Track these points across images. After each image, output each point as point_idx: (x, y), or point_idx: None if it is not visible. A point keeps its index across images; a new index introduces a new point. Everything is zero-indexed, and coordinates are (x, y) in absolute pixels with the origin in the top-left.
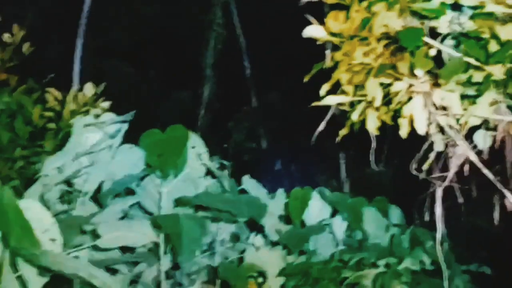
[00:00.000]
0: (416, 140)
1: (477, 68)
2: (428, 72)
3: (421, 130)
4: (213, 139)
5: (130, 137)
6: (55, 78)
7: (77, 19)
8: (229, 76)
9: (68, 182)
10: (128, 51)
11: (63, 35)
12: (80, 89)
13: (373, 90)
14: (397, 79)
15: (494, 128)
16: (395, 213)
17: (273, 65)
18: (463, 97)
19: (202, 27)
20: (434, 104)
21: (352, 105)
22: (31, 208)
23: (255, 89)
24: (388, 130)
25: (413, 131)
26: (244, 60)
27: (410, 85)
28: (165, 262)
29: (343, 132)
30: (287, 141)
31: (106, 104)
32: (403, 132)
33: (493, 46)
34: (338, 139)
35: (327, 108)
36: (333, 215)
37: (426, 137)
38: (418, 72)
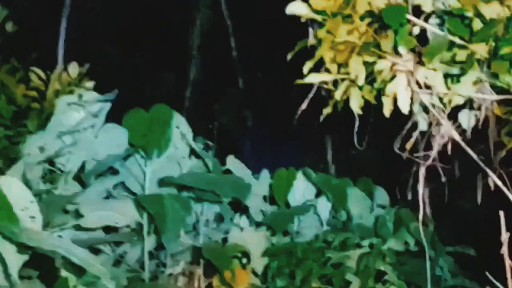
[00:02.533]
0: (401, 119)
1: (461, 46)
2: (412, 50)
3: (404, 109)
4: (198, 120)
5: (115, 118)
6: (39, 58)
7: None
8: (215, 57)
9: (50, 161)
10: (113, 31)
11: (47, 15)
12: (65, 69)
13: (357, 68)
14: (380, 57)
15: (478, 108)
16: (380, 194)
17: (260, 46)
18: (447, 75)
19: (189, 8)
20: (418, 83)
21: (336, 84)
22: (11, 185)
23: (242, 70)
24: (372, 109)
25: (397, 110)
26: (231, 41)
27: (394, 64)
28: (149, 243)
29: (326, 111)
30: (272, 122)
31: (91, 84)
32: (386, 111)
33: (477, 25)
34: (321, 118)
35: (312, 88)
36: (317, 195)
37: (410, 116)
38: (402, 50)
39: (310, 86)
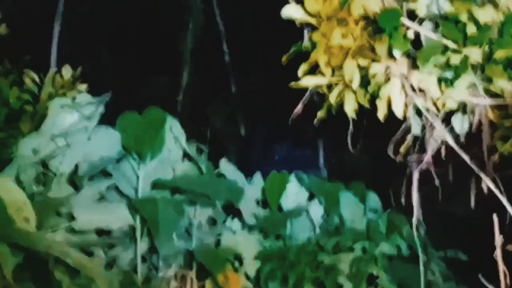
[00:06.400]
0: (394, 123)
1: (454, 50)
2: (406, 54)
3: (398, 112)
4: (191, 124)
5: (109, 120)
6: (33, 60)
7: (56, 1)
8: (208, 61)
9: (43, 163)
10: (106, 35)
11: (41, 17)
12: (58, 72)
13: (351, 72)
14: (375, 61)
15: (472, 112)
16: (372, 198)
17: (253, 50)
18: (441, 80)
19: (182, 12)
20: (412, 87)
21: (330, 87)
22: (5, 187)
23: (234, 74)
24: (366, 113)
25: (391, 114)
26: (223, 45)
27: (388, 67)
28: (142, 246)
29: (320, 114)
30: (265, 125)
31: (84, 87)
32: (381, 115)
33: (471, 29)
34: (316, 122)
35: (306, 92)
36: (310, 199)
37: (404, 120)
38: (396, 53)
39: (303, 88)
